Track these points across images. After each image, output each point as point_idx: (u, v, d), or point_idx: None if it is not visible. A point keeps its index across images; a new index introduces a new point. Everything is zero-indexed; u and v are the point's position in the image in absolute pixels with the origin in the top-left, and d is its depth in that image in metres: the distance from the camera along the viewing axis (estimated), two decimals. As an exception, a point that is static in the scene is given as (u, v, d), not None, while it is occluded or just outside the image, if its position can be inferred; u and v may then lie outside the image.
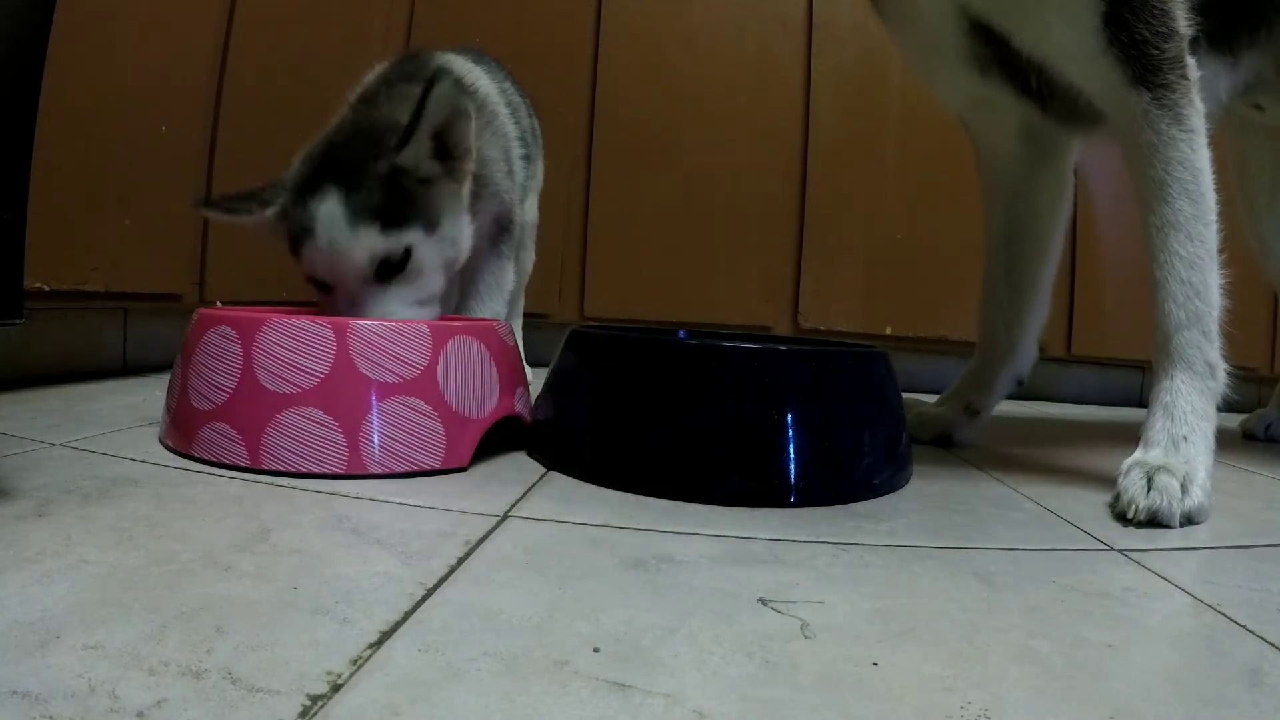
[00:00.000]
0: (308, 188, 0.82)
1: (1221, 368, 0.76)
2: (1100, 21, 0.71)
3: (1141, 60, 0.70)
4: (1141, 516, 0.68)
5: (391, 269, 0.83)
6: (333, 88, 1.58)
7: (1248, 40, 0.84)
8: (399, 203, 0.81)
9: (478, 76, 1.07)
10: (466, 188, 0.89)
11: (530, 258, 1.42)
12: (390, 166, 0.82)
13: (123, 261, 1.19)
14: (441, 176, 0.86)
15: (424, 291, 0.87)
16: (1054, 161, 0.96)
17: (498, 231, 1.09)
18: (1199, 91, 0.73)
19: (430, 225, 0.84)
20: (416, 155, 0.83)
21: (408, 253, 0.83)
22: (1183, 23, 0.72)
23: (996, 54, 0.83)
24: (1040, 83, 0.84)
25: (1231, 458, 1.09)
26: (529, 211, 1.34)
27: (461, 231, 0.89)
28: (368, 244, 0.81)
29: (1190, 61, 0.73)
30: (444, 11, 1.77)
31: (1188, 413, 0.74)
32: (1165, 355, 0.75)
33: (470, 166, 0.87)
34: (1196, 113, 0.72)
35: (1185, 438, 0.73)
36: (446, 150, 0.86)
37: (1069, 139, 0.98)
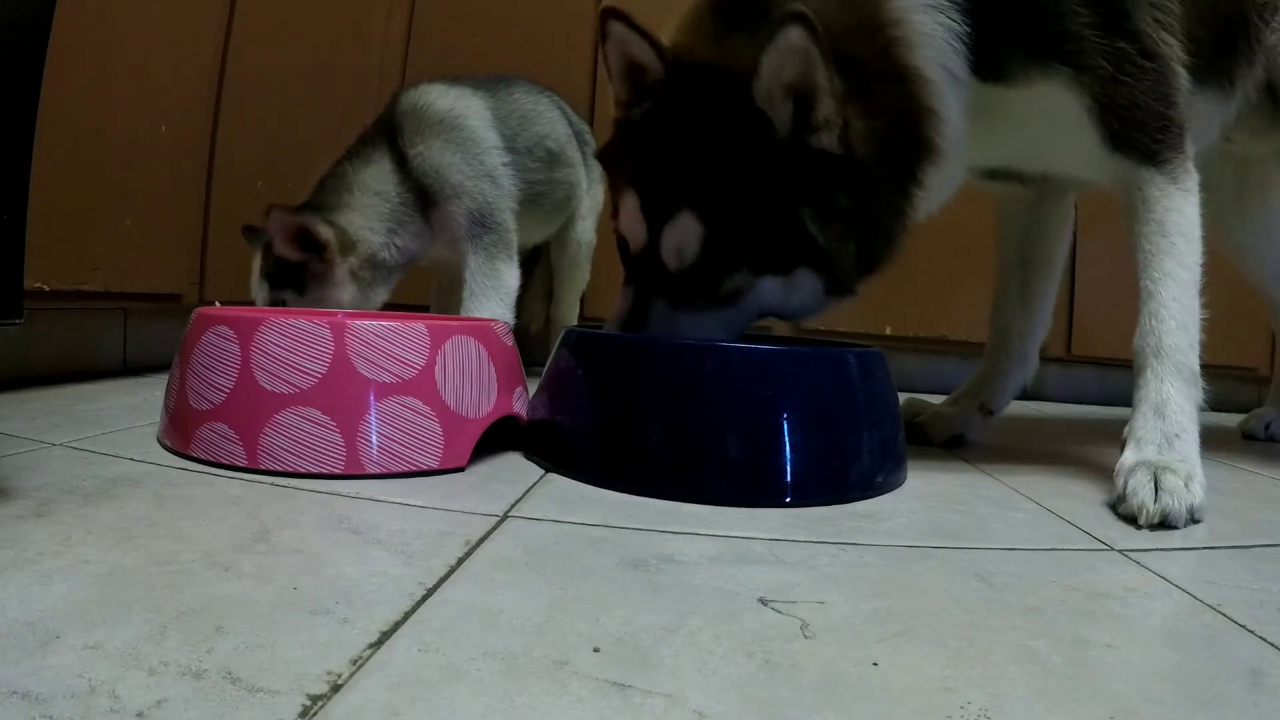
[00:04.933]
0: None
1: (1200, 377, 0.81)
2: (1103, 143, 0.82)
3: (1146, 151, 0.81)
4: (1154, 520, 0.69)
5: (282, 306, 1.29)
6: (332, 88, 1.58)
7: (1229, 84, 0.96)
8: (282, 272, 1.26)
9: (440, 95, 1.33)
10: (341, 268, 1.26)
11: (584, 276, 1.63)
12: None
13: (123, 261, 1.19)
14: (313, 261, 1.24)
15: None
16: (1061, 201, 1.09)
17: (478, 230, 1.29)
18: (1195, 160, 0.84)
19: (300, 288, 1.26)
20: (284, 251, 1.24)
21: (284, 301, 1.28)
22: (1180, 110, 0.82)
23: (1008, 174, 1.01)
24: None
25: (1231, 458, 1.09)
26: (584, 233, 1.59)
27: (329, 292, 1.27)
28: (263, 293, 1.28)
29: (1188, 138, 0.83)
30: (444, 12, 1.77)
31: (1178, 413, 0.77)
32: (1157, 359, 0.80)
33: (333, 256, 1.24)
34: (1192, 176, 0.83)
35: (1178, 435, 0.76)
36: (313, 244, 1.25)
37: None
